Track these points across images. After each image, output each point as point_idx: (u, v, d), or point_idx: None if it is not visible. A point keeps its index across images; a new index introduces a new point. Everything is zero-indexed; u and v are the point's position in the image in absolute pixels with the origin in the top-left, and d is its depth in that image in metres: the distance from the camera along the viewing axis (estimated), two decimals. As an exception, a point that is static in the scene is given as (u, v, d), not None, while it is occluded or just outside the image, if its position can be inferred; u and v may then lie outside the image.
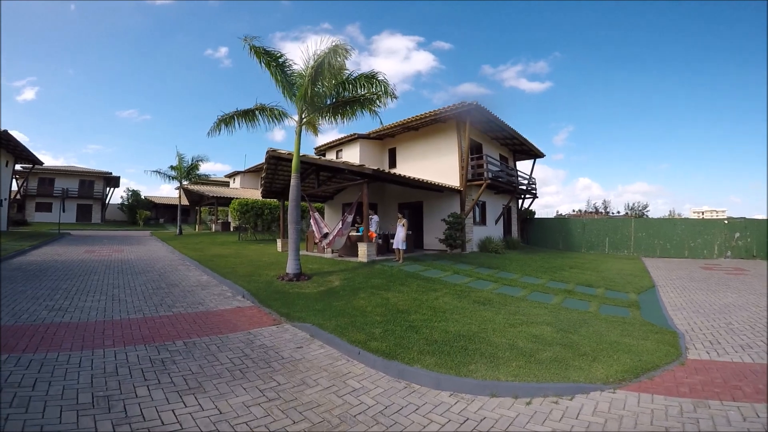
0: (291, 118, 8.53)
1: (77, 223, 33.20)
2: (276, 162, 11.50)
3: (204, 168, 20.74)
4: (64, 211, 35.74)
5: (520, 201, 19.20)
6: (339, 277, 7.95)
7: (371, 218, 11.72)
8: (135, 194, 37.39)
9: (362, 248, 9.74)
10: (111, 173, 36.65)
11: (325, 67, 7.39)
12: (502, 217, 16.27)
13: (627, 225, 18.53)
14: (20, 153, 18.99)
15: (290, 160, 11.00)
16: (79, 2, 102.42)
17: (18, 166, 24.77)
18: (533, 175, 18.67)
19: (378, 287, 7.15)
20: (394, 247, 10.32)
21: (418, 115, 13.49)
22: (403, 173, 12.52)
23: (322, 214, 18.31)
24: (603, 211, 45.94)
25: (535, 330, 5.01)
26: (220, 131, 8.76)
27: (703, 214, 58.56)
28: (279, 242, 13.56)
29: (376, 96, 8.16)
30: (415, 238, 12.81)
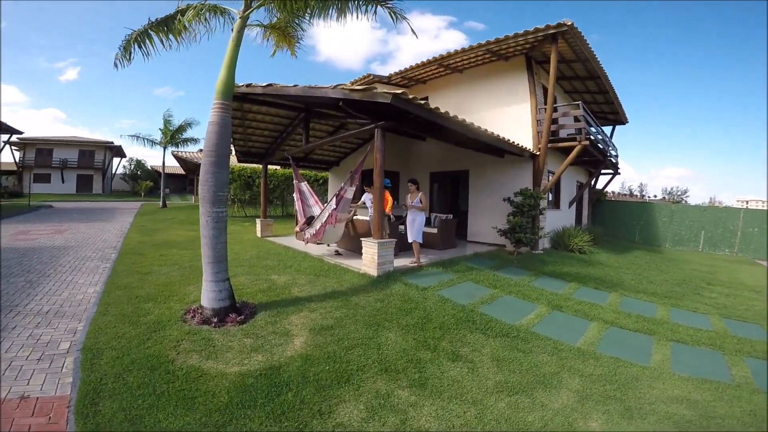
0: (238, 14, 4.16)
1: (77, 194, 30.88)
2: (243, 106, 7.12)
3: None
4: (63, 182, 33.77)
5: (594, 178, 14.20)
6: (311, 321, 3.70)
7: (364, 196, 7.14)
8: (138, 164, 34.52)
9: (369, 250, 5.28)
10: (113, 142, 33.77)
11: None
12: (576, 199, 11.47)
13: (734, 216, 13.32)
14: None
15: (261, 102, 6.68)
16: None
17: (14, 138, 22.36)
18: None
19: (393, 365, 2.87)
20: (410, 240, 6.06)
21: (466, 47, 8.70)
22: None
23: (324, 186, 14.03)
24: (639, 194, 41.76)
25: None
26: (131, 56, 4.60)
27: (747, 203, 54.93)
28: (258, 223, 9.38)
29: None
30: (457, 225, 8.32)
